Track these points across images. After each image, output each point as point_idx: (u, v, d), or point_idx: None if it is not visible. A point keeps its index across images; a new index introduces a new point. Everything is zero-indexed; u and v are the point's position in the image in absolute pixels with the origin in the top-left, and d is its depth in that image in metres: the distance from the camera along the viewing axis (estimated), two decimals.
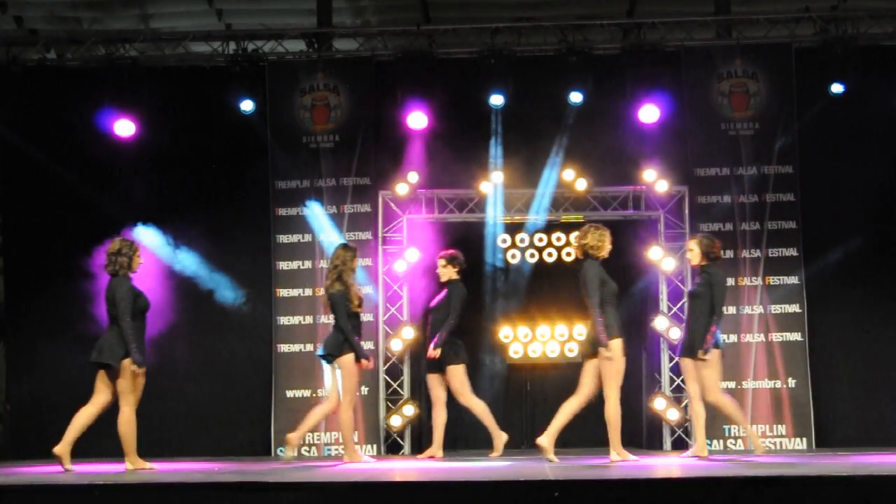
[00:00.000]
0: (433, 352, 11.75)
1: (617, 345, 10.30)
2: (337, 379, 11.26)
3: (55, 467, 10.13)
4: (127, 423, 10.25)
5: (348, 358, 11.13)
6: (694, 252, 11.09)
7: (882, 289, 13.71)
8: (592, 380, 10.48)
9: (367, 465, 10.94)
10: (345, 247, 11.57)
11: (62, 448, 10.09)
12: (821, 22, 14.23)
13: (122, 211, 13.85)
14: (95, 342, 10.28)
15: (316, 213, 14.09)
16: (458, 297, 11.90)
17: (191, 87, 14.42)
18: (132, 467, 10.24)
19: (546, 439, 10.62)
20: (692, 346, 10.84)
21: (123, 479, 8.36)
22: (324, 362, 11.55)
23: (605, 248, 10.54)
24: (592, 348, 10.42)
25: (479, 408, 12.06)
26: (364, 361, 11.21)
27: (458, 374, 11.86)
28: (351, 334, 11.09)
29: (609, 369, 10.31)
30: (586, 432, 14.56)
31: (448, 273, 12.00)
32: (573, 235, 10.96)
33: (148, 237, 13.71)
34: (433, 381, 12.02)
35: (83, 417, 10.27)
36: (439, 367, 11.89)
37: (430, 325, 12.10)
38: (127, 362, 10.12)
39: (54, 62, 14.56)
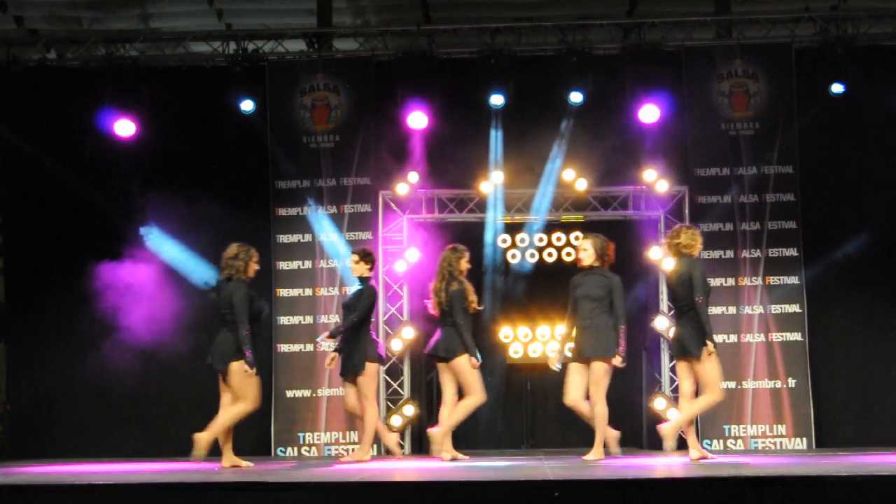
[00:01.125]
0: (327, 347, 11.24)
1: (711, 348, 10.31)
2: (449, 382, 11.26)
3: (55, 467, 10.12)
4: (233, 418, 10.54)
5: (463, 359, 11.14)
6: (588, 252, 10.77)
7: (882, 288, 13.70)
8: (688, 379, 10.55)
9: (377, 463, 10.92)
10: (452, 249, 11.55)
11: (202, 451, 10.45)
12: (821, 22, 14.23)
13: (122, 211, 13.86)
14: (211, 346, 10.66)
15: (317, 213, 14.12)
16: (369, 296, 11.38)
17: (191, 87, 14.42)
18: (228, 464, 10.54)
19: (691, 444, 10.61)
20: (606, 350, 10.52)
21: (123, 479, 8.35)
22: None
23: (698, 247, 10.62)
24: (681, 349, 10.45)
25: (369, 416, 11.25)
26: (474, 360, 11.18)
27: (369, 372, 11.21)
28: (468, 333, 11.13)
29: (706, 372, 10.36)
30: (589, 433, 14.60)
31: (360, 270, 11.40)
32: (669, 235, 10.79)
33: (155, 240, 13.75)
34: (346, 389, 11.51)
35: (227, 419, 10.63)
36: (352, 368, 11.26)
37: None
38: (237, 364, 10.37)
39: (54, 62, 14.56)
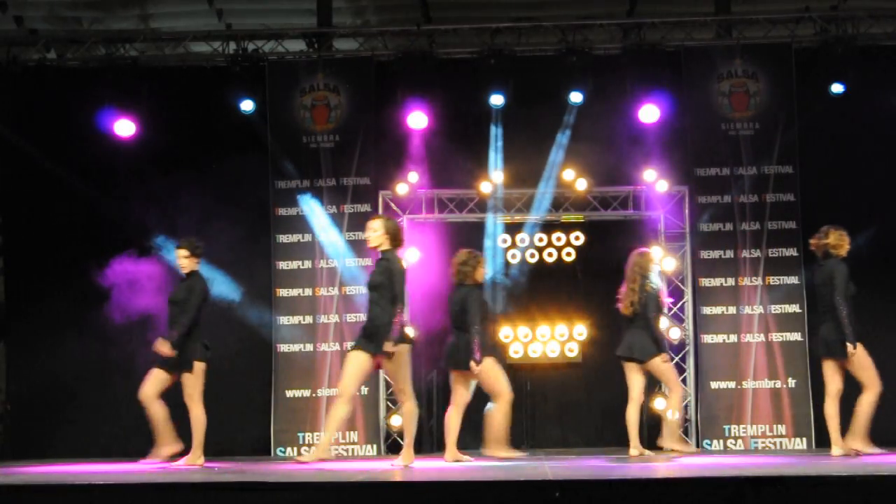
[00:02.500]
0: (169, 350, 10.62)
1: (860, 347, 10.62)
2: None
3: (55, 467, 10.11)
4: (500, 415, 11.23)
5: (657, 361, 11.54)
6: (378, 234, 10.00)
7: (882, 289, 13.68)
8: (837, 378, 10.80)
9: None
10: (640, 254, 11.79)
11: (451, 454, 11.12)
12: (821, 22, 14.23)
13: (122, 210, 13.85)
14: (448, 347, 11.36)
15: (314, 210, 14.09)
16: (201, 290, 10.90)
17: (191, 87, 14.41)
18: (450, 458, 11.03)
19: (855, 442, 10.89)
20: (378, 339, 9.95)
21: (123, 479, 8.34)
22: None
23: (846, 247, 10.81)
24: (827, 349, 10.70)
25: (196, 417, 10.77)
26: (665, 356, 11.61)
27: (197, 371, 10.75)
28: (661, 332, 11.60)
29: (859, 371, 10.66)
30: (589, 432, 14.60)
31: (190, 265, 10.93)
32: (818, 236, 10.90)
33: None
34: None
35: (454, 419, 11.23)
36: (179, 365, 10.75)
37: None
38: (472, 364, 11.00)
39: (54, 62, 14.55)
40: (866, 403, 10.77)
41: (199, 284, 10.89)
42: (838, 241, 10.81)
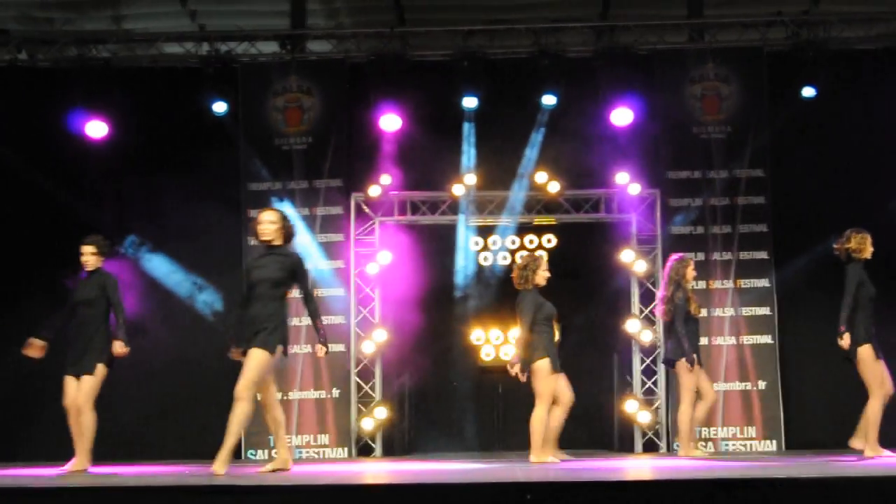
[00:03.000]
0: (123, 349, 10.34)
1: (864, 350, 10.47)
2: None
3: (25, 470, 10.02)
4: (538, 420, 10.96)
5: (678, 365, 11.67)
6: (276, 227, 9.32)
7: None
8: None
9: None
10: (679, 260, 11.84)
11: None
12: (793, 26, 14.28)
13: (94, 212, 13.76)
14: None
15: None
16: (115, 285, 10.55)
17: (163, 88, 14.35)
18: (536, 460, 10.81)
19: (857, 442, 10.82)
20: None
21: (90, 481, 8.29)
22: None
23: (868, 251, 10.72)
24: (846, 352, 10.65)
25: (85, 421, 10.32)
26: (686, 364, 11.59)
27: (99, 375, 10.34)
28: (685, 338, 11.53)
29: (863, 374, 10.55)
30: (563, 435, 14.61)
31: (95, 262, 10.59)
32: (840, 241, 10.84)
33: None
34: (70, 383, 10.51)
35: (554, 421, 11.17)
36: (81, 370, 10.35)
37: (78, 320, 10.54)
38: (537, 365, 10.90)
39: (26, 62, 14.47)
40: (870, 409, 10.68)
41: (110, 280, 10.58)
42: (860, 244, 10.68)
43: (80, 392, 10.24)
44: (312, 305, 9.69)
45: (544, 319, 11.03)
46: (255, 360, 9.19)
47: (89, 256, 10.63)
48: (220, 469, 9.03)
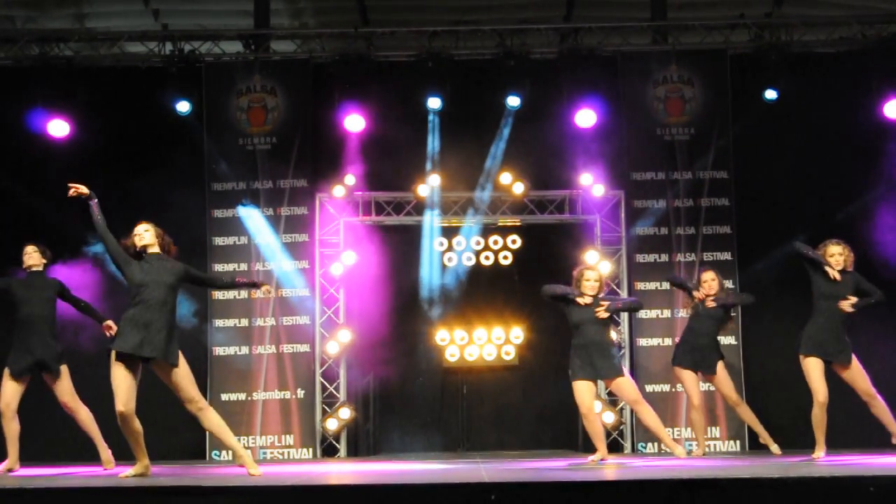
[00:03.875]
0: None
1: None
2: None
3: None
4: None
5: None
6: (150, 233, 9.31)
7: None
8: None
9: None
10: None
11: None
12: (755, 29, 14.38)
13: (56, 212, 13.65)
14: None
15: (251, 214, 14.04)
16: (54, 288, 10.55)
17: (126, 87, 14.27)
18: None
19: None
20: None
21: (60, 482, 8.25)
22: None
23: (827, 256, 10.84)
24: None
25: (84, 415, 10.56)
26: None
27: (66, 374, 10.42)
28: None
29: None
30: (526, 434, 14.65)
31: (38, 264, 10.61)
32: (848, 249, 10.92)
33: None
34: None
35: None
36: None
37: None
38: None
39: None
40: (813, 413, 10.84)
41: (51, 283, 10.58)
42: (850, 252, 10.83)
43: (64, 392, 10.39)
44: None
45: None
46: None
47: (34, 255, 10.61)
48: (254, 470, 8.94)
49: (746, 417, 12.07)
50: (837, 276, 10.51)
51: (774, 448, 11.76)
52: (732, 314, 12.18)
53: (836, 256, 10.63)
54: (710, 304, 11.72)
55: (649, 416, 10.98)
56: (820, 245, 10.69)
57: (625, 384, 10.95)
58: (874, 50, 14.03)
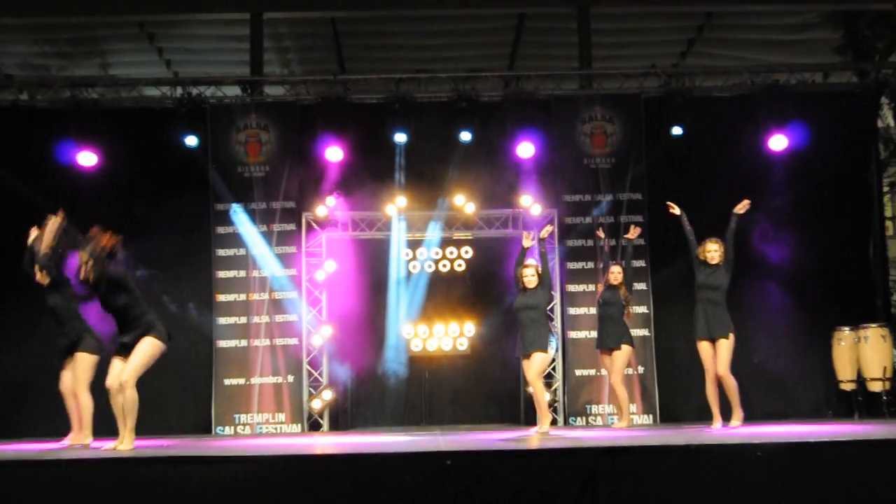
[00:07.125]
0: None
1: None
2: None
3: (24, 445, 9.86)
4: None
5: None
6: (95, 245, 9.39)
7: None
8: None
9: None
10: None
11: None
12: (664, 76, 14.50)
13: (84, 233, 13.52)
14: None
15: (247, 228, 14.00)
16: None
17: (144, 125, 14.19)
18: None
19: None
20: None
21: (85, 454, 8.20)
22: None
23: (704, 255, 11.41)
24: None
25: (86, 402, 10.14)
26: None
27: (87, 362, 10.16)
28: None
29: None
30: (478, 410, 14.67)
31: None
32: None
33: None
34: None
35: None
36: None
37: None
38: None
39: (26, 103, 14.25)
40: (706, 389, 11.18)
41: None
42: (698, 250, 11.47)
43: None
44: None
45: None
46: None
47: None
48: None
49: (620, 394, 12.22)
50: (677, 211, 11.58)
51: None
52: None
53: (713, 252, 11.25)
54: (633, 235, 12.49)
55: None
56: (701, 241, 11.37)
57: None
58: (761, 94, 14.15)
